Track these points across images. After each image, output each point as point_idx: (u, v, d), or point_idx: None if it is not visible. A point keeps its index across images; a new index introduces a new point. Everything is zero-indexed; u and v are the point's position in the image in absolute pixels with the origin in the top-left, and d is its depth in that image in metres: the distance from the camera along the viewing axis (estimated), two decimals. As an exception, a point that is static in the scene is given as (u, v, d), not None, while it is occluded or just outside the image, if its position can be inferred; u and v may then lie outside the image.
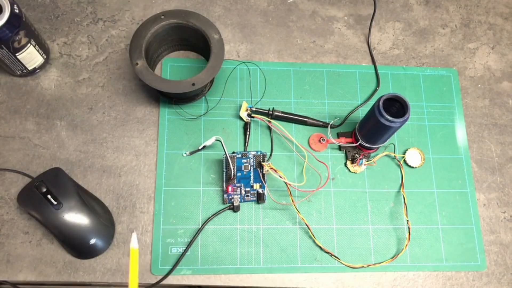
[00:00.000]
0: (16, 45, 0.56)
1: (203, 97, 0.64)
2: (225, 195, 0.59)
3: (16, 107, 0.61)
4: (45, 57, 0.62)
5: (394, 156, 0.63)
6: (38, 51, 0.60)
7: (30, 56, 0.59)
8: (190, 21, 0.59)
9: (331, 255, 0.58)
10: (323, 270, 0.58)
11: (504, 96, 0.69)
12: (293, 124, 0.64)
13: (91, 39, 0.66)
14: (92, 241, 0.54)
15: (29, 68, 0.61)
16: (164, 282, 0.55)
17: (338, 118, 0.65)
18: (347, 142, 0.62)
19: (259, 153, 0.59)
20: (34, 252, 0.55)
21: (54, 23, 0.66)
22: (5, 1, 0.53)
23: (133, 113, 0.63)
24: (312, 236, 0.58)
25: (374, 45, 0.71)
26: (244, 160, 0.59)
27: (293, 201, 0.58)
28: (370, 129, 0.58)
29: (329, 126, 0.63)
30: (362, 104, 0.66)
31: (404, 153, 0.63)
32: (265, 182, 0.59)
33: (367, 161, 0.62)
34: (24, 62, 0.59)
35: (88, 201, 0.55)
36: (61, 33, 0.66)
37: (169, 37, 0.62)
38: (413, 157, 0.64)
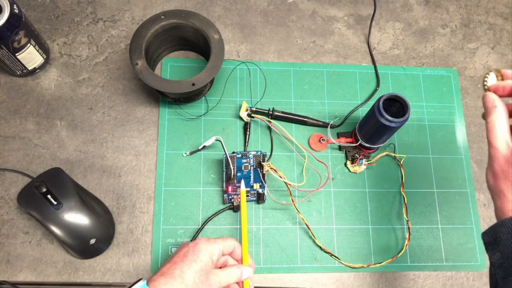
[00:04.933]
0: (16, 45, 0.56)
1: (203, 97, 0.64)
2: (225, 195, 0.59)
3: (16, 107, 0.61)
4: (45, 57, 0.62)
5: (394, 156, 0.63)
6: (38, 51, 0.60)
7: (30, 56, 0.59)
8: (190, 21, 0.59)
9: (331, 255, 0.58)
10: (323, 270, 0.58)
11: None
12: (293, 124, 0.64)
13: (91, 39, 0.66)
14: (92, 241, 0.54)
15: (29, 68, 0.61)
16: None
17: (338, 118, 0.65)
18: (347, 142, 0.62)
19: (259, 153, 0.59)
20: (34, 252, 0.55)
21: (54, 23, 0.66)
22: (5, 1, 0.53)
23: (133, 113, 0.63)
24: (312, 236, 0.58)
25: (374, 45, 0.71)
26: (244, 160, 0.59)
27: (293, 201, 0.58)
28: (370, 129, 0.58)
29: (329, 126, 0.63)
30: (362, 104, 0.66)
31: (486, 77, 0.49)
32: (265, 182, 0.59)
33: (367, 161, 0.62)
34: (24, 62, 0.59)
35: (88, 201, 0.55)
36: (61, 33, 0.66)
37: (169, 37, 0.62)
38: (493, 79, 0.50)
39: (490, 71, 0.44)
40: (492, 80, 0.43)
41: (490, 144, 0.41)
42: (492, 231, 0.40)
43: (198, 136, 0.62)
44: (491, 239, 0.41)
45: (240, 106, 0.62)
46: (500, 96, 0.42)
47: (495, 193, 0.41)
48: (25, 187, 0.55)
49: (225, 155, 0.57)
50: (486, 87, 0.43)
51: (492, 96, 0.41)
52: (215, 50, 0.58)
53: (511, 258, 0.38)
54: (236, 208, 0.58)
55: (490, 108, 0.41)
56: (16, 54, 0.57)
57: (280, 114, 0.63)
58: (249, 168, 0.59)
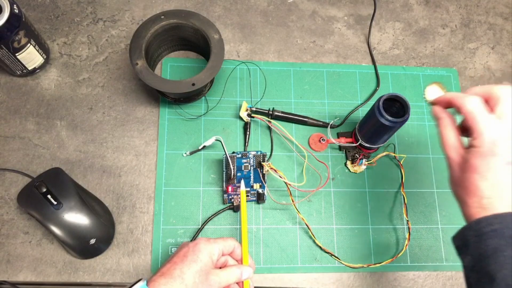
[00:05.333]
0: (16, 45, 0.56)
1: (203, 97, 0.64)
2: (225, 195, 0.59)
3: (16, 107, 0.61)
4: (45, 57, 0.62)
5: (394, 156, 0.63)
6: (38, 51, 0.60)
7: (30, 56, 0.59)
8: (190, 21, 0.59)
9: (331, 255, 0.58)
10: (323, 270, 0.58)
11: (504, 96, 0.69)
12: (293, 124, 0.64)
13: (91, 39, 0.66)
14: (92, 241, 0.54)
15: (29, 68, 0.61)
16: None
17: (338, 118, 0.65)
18: (347, 142, 0.62)
19: (259, 153, 0.59)
20: (34, 252, 0.55)
21: (54, 23, 0.66)
22: (5, 1, 0.53)
23: (133, 113, 0.63)
24: (312, 236, 0.58)
25: (374, 45, 0.71)
26: (244, 160, 0.59)
27: (293, 201, 0.58)
28: (370, 129, 0.58)
29: (329, 126, 0.63)
30: (362, 104, 0.66)
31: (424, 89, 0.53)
32: (265, 182, 0.59)
33: (367, 161, 0.62)
34: (24, 62, 0.59)
35: (88, 201, 0.55)
36: (61, 33, 0.66)
37: (169, 37, 0.62)
38: (434, 91, 0.55)
39: (429, 85, 0.47)
40: (433, 93, 0.48)
41: (445, 154, 0.43)
42: (461, 235, 0.41)
43: (198, 136, 0.62)
44: (460, 242, 0.41)
45: (240, 106, 0.62)
46: (445, 107, 0.44)
47: (458, 201, 0.43)
48: (25, 187, 0.55)
49: (225, 155, 0.57)
50: (427, 101, 0.46)
51: (436, 109, 0.44)
52: (215, 50, 0.58)
53: (482, 261, 0.39)
54: (236, 208, 0.58)
55: (437, 119, 0.44)
56: (16, 54, 0.57)
57: (280, 114, 0.63)
58: (249, 168, 0.59)
